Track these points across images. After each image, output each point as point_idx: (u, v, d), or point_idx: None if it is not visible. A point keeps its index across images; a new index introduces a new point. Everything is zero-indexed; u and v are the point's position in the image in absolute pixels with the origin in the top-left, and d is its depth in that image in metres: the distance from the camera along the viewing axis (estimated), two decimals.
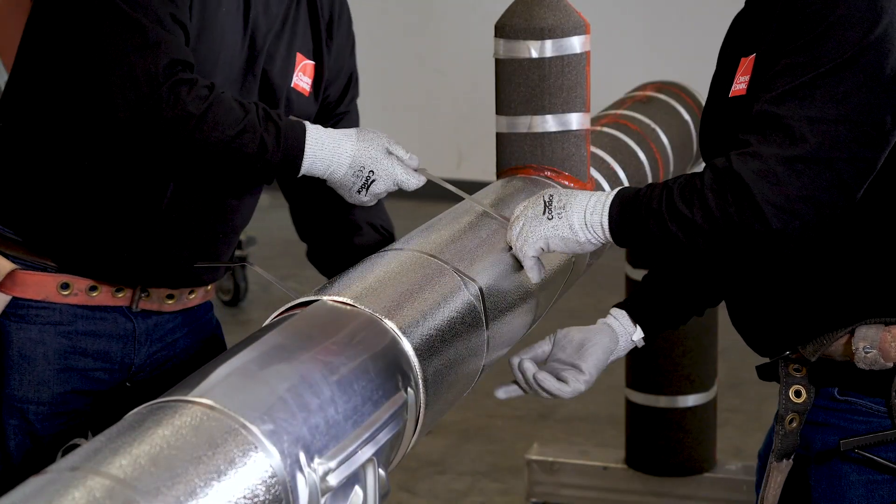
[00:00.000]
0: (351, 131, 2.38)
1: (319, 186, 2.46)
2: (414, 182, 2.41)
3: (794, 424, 2.24)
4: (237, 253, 6.29)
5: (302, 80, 2.53)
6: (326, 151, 2.34)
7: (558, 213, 2.18)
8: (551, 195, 2.20)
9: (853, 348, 2.16)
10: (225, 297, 6.45)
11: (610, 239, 2.16)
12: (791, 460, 2.25)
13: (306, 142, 2.32)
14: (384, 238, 2.62)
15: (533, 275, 2.24)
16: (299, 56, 2.52)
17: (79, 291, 2.43)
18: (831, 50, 2.04)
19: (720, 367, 4.24)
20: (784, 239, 2.04)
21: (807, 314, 2.20)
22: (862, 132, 2.04)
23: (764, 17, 2.17)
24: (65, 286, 2.42)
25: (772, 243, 2.05)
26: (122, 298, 2.47)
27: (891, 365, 2.15)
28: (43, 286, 2.41)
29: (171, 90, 2.20)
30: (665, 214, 2.08)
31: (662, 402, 4.15)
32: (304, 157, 2.32)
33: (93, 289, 2.44)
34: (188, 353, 2.58)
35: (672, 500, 4.19)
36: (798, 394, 2.24)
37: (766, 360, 2.28)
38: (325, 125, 2.50)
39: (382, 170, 2.37)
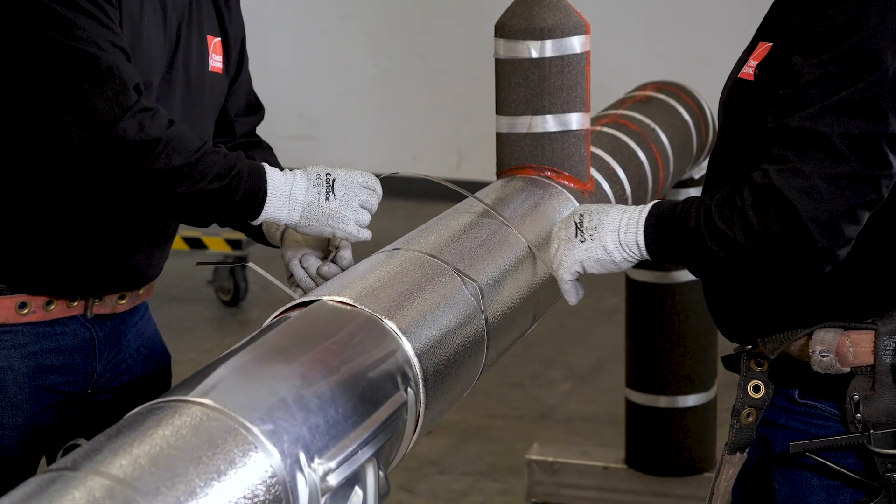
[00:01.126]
0: None
1: None
2: (373, 180, 2.31)
3: (751, 419, 2.24)
4: (237, 253, 6.28)
5: (216, 60, 2.52)
6: (280, 173, 2.29)
7: (590, 235, 2.15)
8: (581, 215, 2.17)
9: (809, 351, 2.15)
10: (225, 297, 6.45)
11: (647, 257, 2.13)
12: (745, 454, 2.25)
13: (261, 163, 2.30)
14: None
15: (570, 298, 2.21)
16: (209, 38, 2.51)
17: (37, 308, 2.43)
18: (865, 62, 2.02)
19: (720, 367, 4.24)
20: (828, 256, 2.03)
21: (770, 309, 2.19)
22: None
23: (788, 7, 2.15)
24: (22, 305, 2.42)
25: (815, 261, 2.03)
26: (76, 307, 2.48)
27: (847, 370, 2.15)
28: (1, 309, 2.41)
29: (135, 117, 2.20)
30: (704, 233, 2.05)
31: (662, 402, 4.15)
32: (267, 172, 2.27)
33: (49, 303, 2.45)
34: (139, 352, 2.60)
35: (672, 500, 4.19)
36: (757, 389, 2.24)
37: (735, 345, 2.28)
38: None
39: (336, 170, 2.32)
